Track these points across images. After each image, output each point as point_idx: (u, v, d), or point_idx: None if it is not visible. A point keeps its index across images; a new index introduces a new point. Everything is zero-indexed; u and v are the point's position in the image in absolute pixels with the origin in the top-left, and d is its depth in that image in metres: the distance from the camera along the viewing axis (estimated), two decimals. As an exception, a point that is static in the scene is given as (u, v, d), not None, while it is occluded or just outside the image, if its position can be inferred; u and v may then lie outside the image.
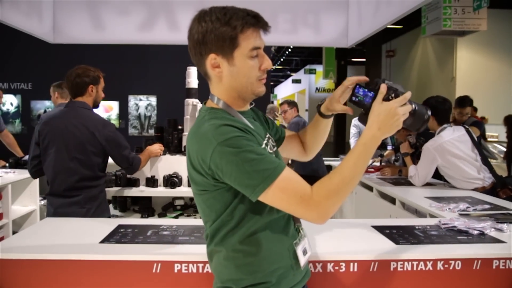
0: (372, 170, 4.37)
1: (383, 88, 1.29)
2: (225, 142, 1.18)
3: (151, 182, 3.26)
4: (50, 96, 4.56)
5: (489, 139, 10.16)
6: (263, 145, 1.31)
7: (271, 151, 1.35)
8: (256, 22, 1.25)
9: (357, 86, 1.40)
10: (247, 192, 1.20)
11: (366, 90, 1.38)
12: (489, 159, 3.53)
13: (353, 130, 6.20)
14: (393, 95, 1.27)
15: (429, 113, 1.33)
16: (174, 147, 3.44)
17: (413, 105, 1.30)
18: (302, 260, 1.36)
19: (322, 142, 1.70)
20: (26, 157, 4.32)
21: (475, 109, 11.93)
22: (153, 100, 8.74)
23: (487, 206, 2.68)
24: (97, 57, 8.27)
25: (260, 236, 1.28)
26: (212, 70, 1.28)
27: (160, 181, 3.29)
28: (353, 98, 1.39)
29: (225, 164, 1.18)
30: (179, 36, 4.22)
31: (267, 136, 1.42)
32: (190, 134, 1.30)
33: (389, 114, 1.24)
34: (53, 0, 3.92)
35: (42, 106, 8.26)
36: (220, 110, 1.32)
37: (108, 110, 8.67)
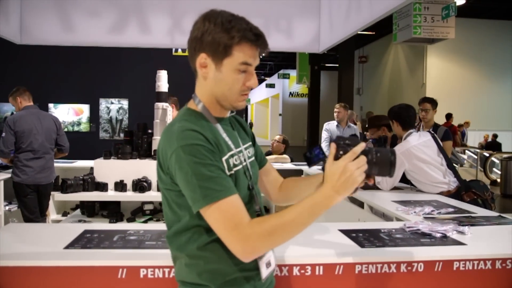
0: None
1: (332, 147, 1.25)
2: (184, 148, 1.20)
3: (120, 186, 3.22)
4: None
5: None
6: (228, 156, 1.30)
7: (236, 163, 1.33)
8: (255, 40, 1.25)
9: (317, 146, 1.37)
10: (189, 203, 1.22)
11: (321, 151, 1.36)
12: (457, 165, 3.61)
13: (324, 135, 6.26)
14: (341, 152, 1.23)
15: (394, 155, 1.26)
16: (143, 151, 3.41)
17: (374, 153, 1.25)
18: (264, 272, 1.34)
19: (296, 200, 1.50)
20: None
21: (450, 116, 12.23)
22: (125, 103, 8.64)
23: (451, 210, 2.74)
24: (67, 59, 8.14)
25: (221, 245, 1.26)
26: (199, 68, 1.29)
27: (129, 185, 3.25)
28: (307, 154, 1.35)
29: (178, 169, 1.21)
30: (151, 39, 4.19)
31: (244, 146, 1.41)
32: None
33: (340, 173, 1.19)
34: (20, 0, 3.83)
35: (9, 109, 8.06)
36: (196, 113, 1.33)
37: (79, 113, 8.52)
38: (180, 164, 1.20)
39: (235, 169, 1.31)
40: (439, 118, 7.34)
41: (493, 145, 13.29)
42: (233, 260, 1.28)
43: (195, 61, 1.29)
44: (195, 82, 1.37)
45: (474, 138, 14.39)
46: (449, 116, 12.18)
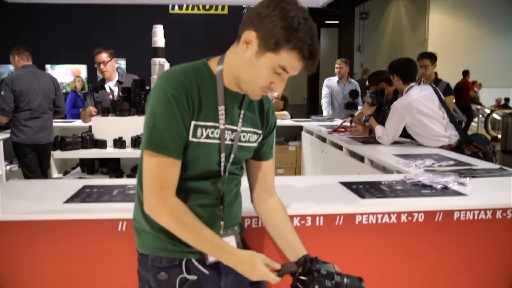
0: (343, 129, 4.40)
1: (304, 278, 1.24)
2: (162, 90, 1.23)
3: (119, 143, 3.21)
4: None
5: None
6: (202, 123, 1.27)
7: (211, 135, 1.29)
8: (307, 57, 1.20)
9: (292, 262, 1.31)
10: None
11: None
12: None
13: (324, 91, 6.22)
14: (316, 286, 1.22)
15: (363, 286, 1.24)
16: (141, 107, 3.37)
17: (345, 279, 1.23)
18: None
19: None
20: None
21: (466, 73, 12.06)
22: (122, 63, 8.52)
23: (452, 162, 2.73)
24: (61, 18, 7.98)
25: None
26: (243, 42, 1.22)
27: (128, 142, 3.23)
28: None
29: (147, 105, 1.27)
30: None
31: (242, 128, 1.34)
32: None
33: (250, 267, 1.24)
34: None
35: (6, 70, 7.97)
36: (208, 71, 1.29)
37: (76, 73, 8.40)
38: (150, 101, 1.25)
39: (203, 140, 1.27)
40: (446, 74, 7.23)
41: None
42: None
43: (244, 32, 1.22)
44: (233, 43, 1.29)
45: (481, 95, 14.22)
46: (465, 73, 12.03)
